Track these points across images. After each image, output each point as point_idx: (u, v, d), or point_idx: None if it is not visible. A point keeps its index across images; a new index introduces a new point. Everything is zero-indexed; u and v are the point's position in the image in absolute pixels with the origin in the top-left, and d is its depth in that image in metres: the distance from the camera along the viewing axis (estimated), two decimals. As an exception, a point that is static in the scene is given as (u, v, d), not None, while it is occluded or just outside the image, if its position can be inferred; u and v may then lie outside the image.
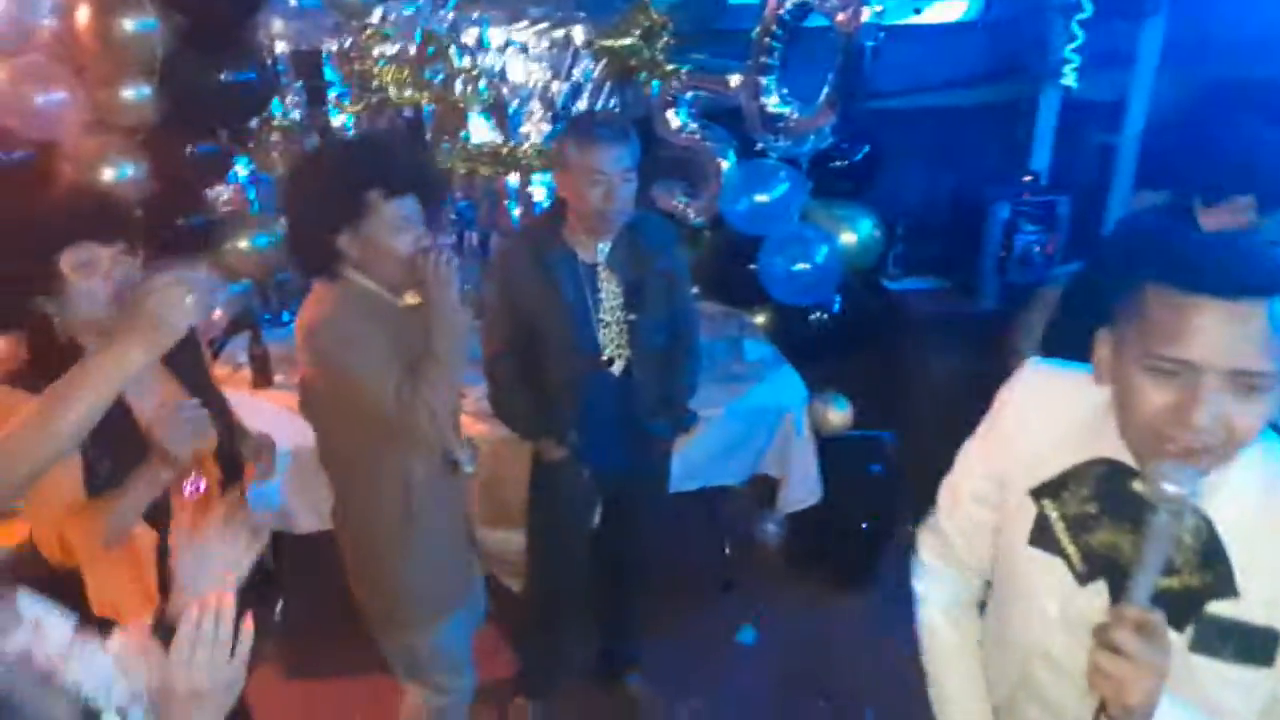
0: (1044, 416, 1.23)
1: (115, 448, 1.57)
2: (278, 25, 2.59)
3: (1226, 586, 1.07)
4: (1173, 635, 1.04)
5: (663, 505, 2.67)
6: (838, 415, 3.15)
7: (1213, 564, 1.08)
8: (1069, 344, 1.25)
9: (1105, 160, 3.82)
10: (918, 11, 3.75)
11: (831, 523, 3.18)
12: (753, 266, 3.30)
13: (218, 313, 2.66)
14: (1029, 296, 2.87)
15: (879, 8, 2.90)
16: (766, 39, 3.01)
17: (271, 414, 2.59)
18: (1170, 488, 0.99)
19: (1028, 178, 3.69)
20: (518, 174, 3.31)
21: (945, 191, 3.82)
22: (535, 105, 3.30)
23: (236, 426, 1.93)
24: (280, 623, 2.78)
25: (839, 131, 3.11)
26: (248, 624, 1.05)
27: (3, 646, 0.91)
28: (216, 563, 1.20)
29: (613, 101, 3.37)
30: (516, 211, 3.38)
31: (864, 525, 3.23)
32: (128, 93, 2.43)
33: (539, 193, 3.38)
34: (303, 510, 2.66)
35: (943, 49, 3.82)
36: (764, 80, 3.05)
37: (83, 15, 2.35)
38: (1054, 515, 1.19)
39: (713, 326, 3.29)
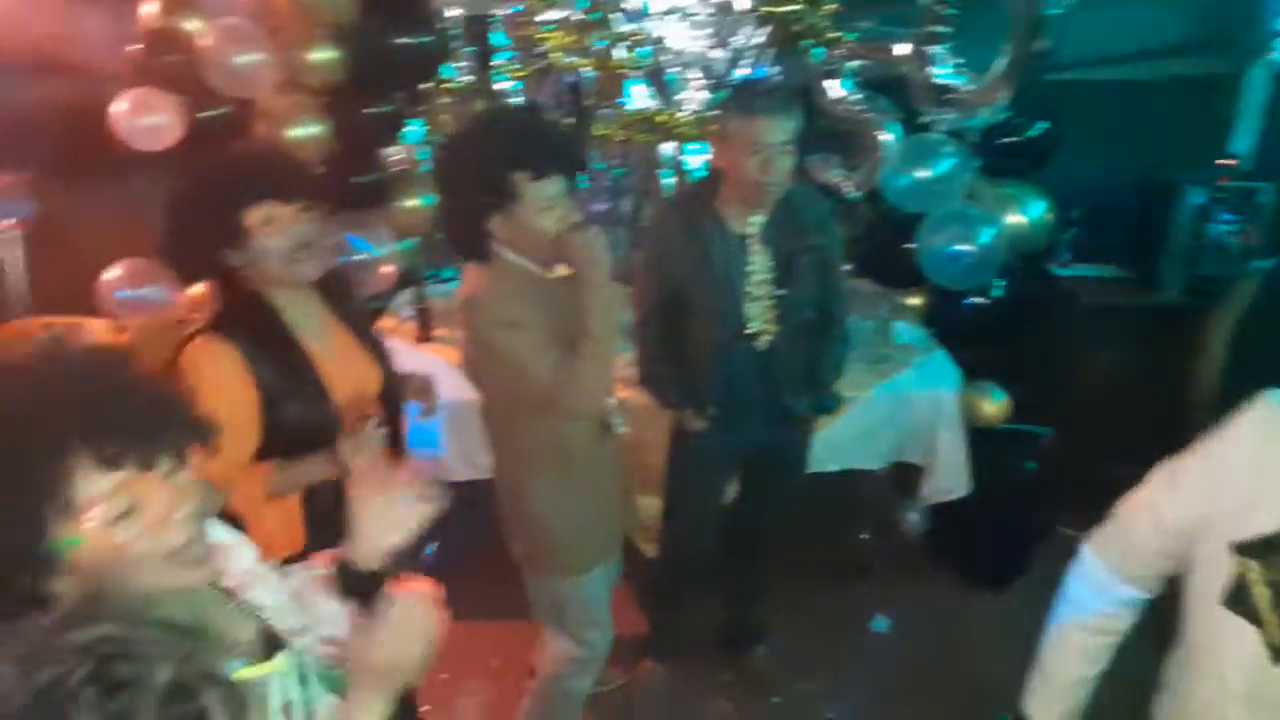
0: (1274, 463, 1.08)
1: (299, 392, 1.68)
2: (452, -10, 2.68)
3: None
4: None
5: (800, 483, 2.63)
6: (992, 406, 3.01)
7: None
8: (1263, 347, 1.12)
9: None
10: (1111, -25, 3.47)
11: (978, 518, 3.04)
12: (910, 246, 3.17)
13: (386, 268, 2.80)
14: (1220, 291, 2.64)
15: (1068, -29, 2.70)
16: (939, 6, 2.87)
17: (431, 366, 2.71)
18: None
19: (1227, 162, 3.37)
20: (673, 142, 3.31)
21: (1130, 174, 3.53)
22: (694, 73, 3.27)
23: (396, 373, 2.02)
24: (429, 564, 2.93)
25: (1014, 106, 2.94)
26: (445, 610, 1.09)
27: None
28: (397, 515, 1.23)
29: (773, 69, 3.30)
30: (670, 180, 3.38)
31: (1013, 523, 3.08)
32: (316, 54, 2.57)
33: (694, 161, 3.36)
34: (457, 459, 2.78)
35: (1136, 17, 3.52)
36: (934, 50, 2.91)
37: (280, -20, 2.50)
38: (1257, 577, 1.05)
39: (863, 306, 3.19)
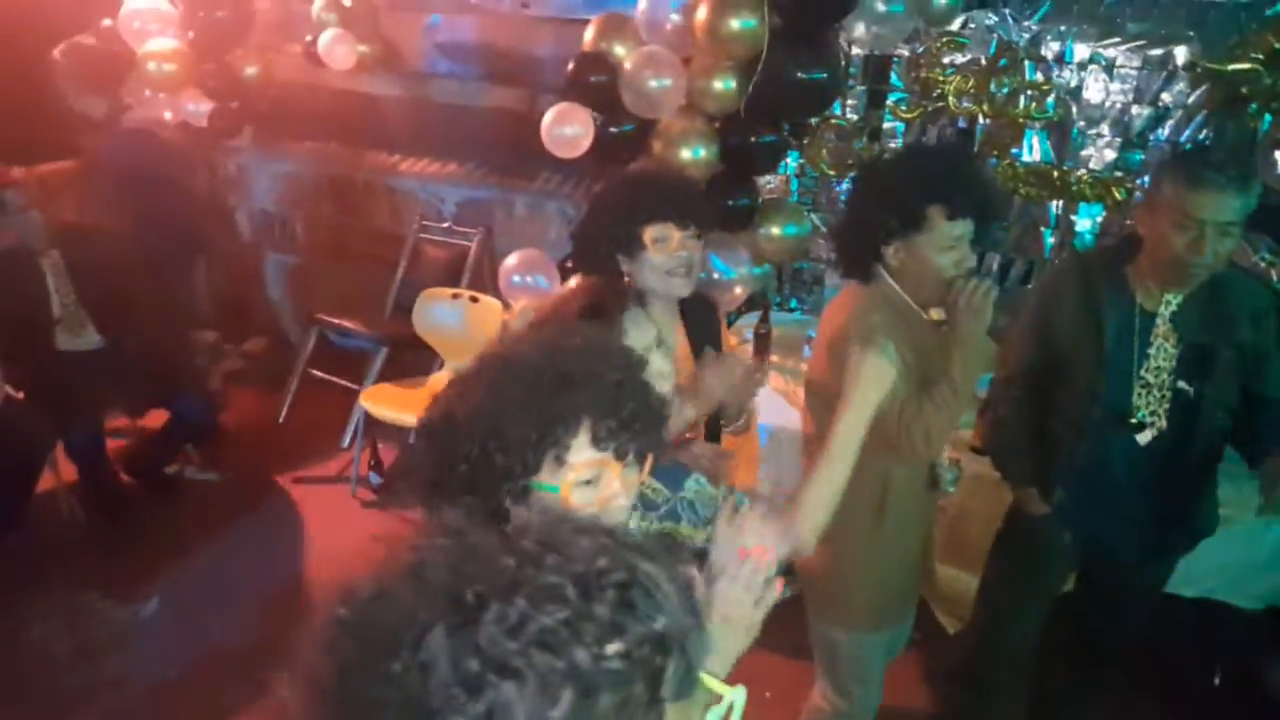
0: None
1: None
2: (859, 29, 2.71)
3: None
4: None
5: (1148, 601, 2.31)
6: None
7: None
8: None
9: None
10: None
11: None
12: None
13: (739, 289, 2.94)
14: None
15: None
16: None
17: (761, 390, 2.81)
18: None
19: None
20: (1063, 200, 3.07)
21: None
22: (1105, 128, 3.01)
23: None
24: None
25: None
26: (779, 584, 1.15)
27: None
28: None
29: (1203, 133, 2.93)
30: (1051, 240, 3.14)
31: None
32: (719, 83, 2.77)
33: (1083, 224, 3.10)
34: (769, 487, 2.84)
35: None
36: None
37: (701, 12, 2.72)
38: None
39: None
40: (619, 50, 2.93)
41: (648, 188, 1.86)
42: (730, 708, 0.76)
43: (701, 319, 1.99)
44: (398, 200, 4.29)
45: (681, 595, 0.65)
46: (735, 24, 2.64)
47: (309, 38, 3.97)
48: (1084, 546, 2.17)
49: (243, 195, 4.61)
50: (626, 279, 1.88)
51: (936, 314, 1.91)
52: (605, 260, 1.91)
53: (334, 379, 3.99)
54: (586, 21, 3.06)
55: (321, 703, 0.62)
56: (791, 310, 3.51)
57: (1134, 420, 1.99)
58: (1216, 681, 2.78)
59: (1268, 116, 2.74)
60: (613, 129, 2.99)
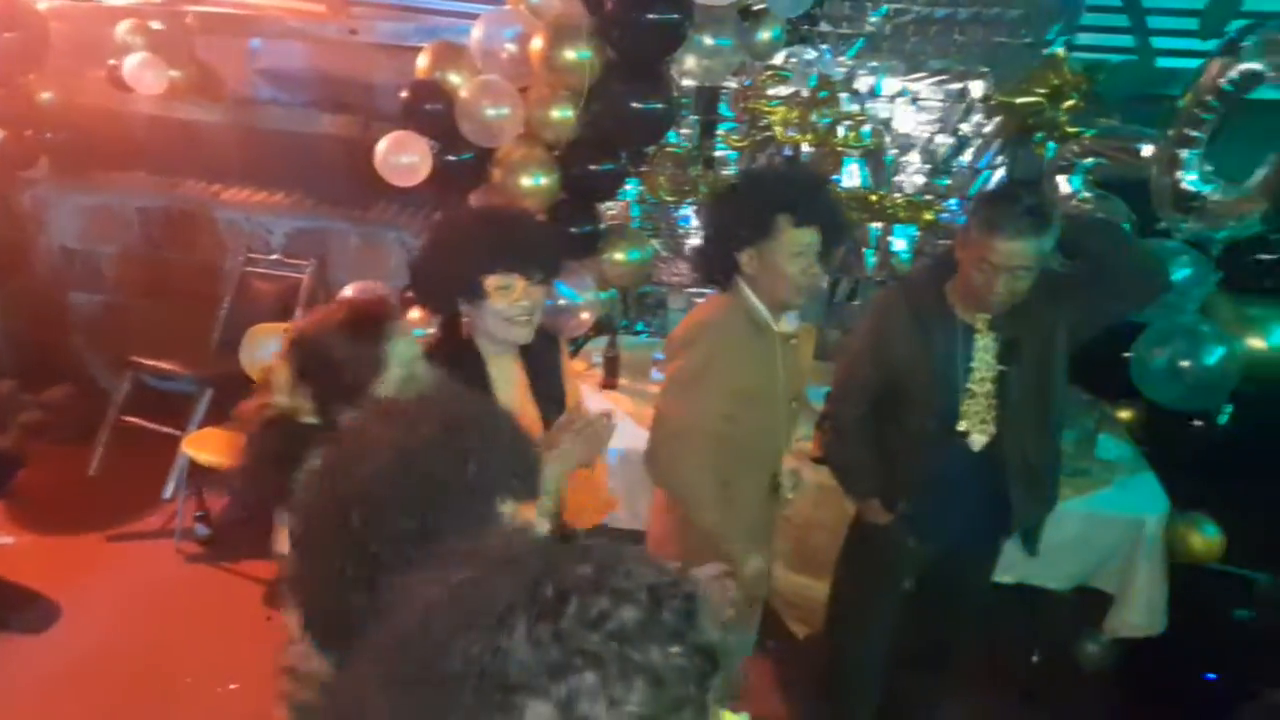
0: None
1: None
2: (690, 61, 2.81)
3: None
4: None
5: (982, 593, 2.49)
6: (1203, 542, 2.73)
7: None
8: None
9: None
10: None
11: (1170, 662, 2.76)
12: (1126, 355, 2.96)
13: (585, 314, 2.96)
14: None
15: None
16: (1197, 109, 2.69)
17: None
18: None
19: None
20: (881, 222, 3.29)
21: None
22: (914, 155, 3.26)
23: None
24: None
25: (1271, 221, 2.69)
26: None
27: None
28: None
29: (999, 159, 3.23)
30: (873, 259, 3.36)
31: (1211, 675, 2.76)
32: (557, 112, 2.79)
33: (899, 244, 3.33)
34: (623, 508, 2.86)
35: None
36: (1184, 154, 2.73)
37: (536, 43, 2.74)
38: None
39: (1067, 414, 3.00)
40: (454, 79, 2.90)
41: (493, 234, 1.82)
42: None
43: (542, 355, 1.98)
44: (220, 232, 4.03)
45: (719, 622, 0.71)
46: (570, 54, 2.67)
47: (113, 61, 3.69)
48: (927, 549, 2.30)
49: (40, 230, 4.21)
50: (465, 320, 1.85)
51: (786, 325, 2.03)
52: (443, 301, 1.88)
53: (153, 426, 3.69)
54: (418, 49, 3.01)
55: (403, 673, 0.66)
56: (638, 333, 3.57)
57: (962, 428, 2.15)
58: (1035, 659, 3.03)
59: (1052, 145, 3.05)
60: (451, 157, 2.95)
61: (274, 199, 4.04)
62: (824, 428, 2.44)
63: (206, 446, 3.22)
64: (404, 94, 2.94)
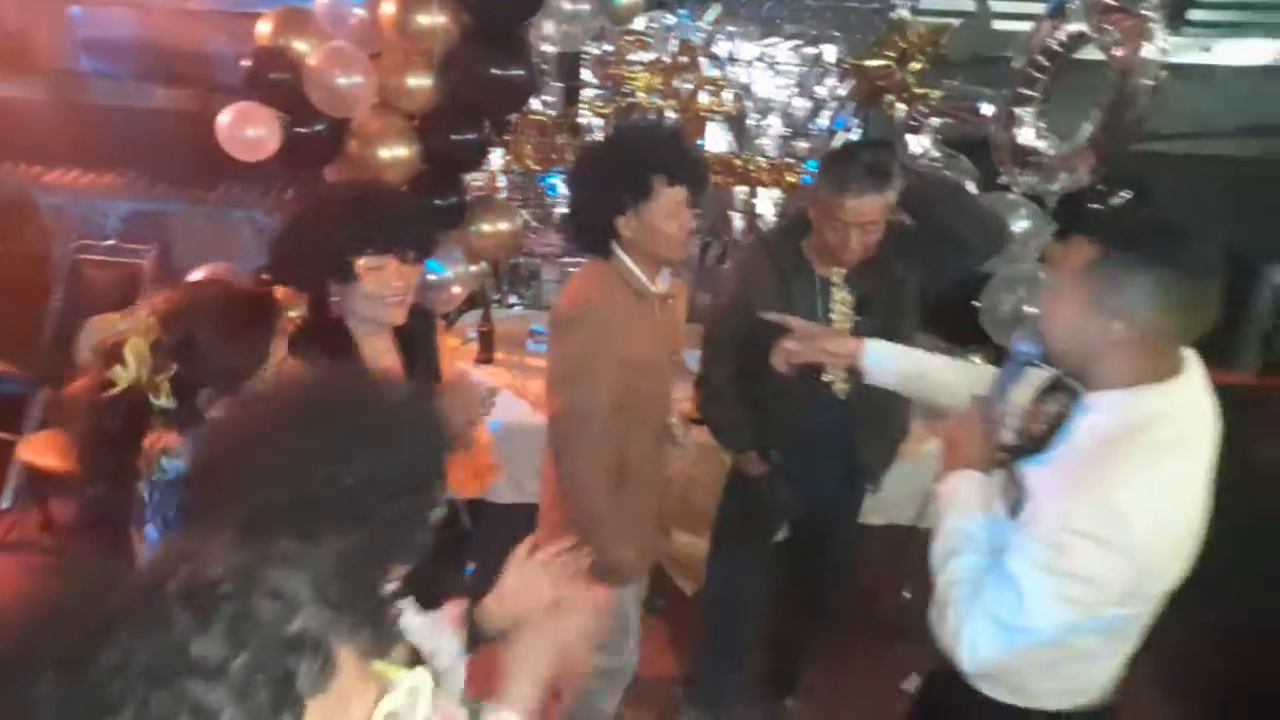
0: None
1: None
2: (548, 27, 2.76)
3: (1029, 452, 1.39)
4: (999, 473, 1.44)
5: (852, 536, 2.61)
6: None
7: (1042, 441, 1.38)
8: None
9: None
10: (1207, 50, 3.42)
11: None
12: (975, 303, 3.14)
13: (456, 289, 2.89)
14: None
15: (1164, 45, 2.67)
16: (1029, 69, 2.86)
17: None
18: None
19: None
20: (746, 186, 3.36)
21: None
22: (774, 120, 3.33)
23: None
24: (470, 582, 2.99)
25: (1103, 173, 2.90)
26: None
27: None
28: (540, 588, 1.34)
29: (854, 121, 3.34)
30: (740, 222, 3.42)
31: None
32: (413, 80, 2.69)
33: (765, 206, 3.41)
34: (504, 481, 2.83)
35: (1235, 93, 3.45)
36: (1020, 111, 2.90)
37: (387, 7, 2.62)
38: None
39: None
40: (300, 46, 2.74)
41: (363, 213, 1.73)
42: (415, 692, 0.75)
43: (416, 333, 1.92)
44: (45, 218, 3.70)
45: (323, 591, 0.67)
46: (423, 20, 2.57)
47: (-97, 31, 3.31)
48: (800, 497, 2.40)
49: None
50: (334, 300, 1.77)
51: (663, 287, 2.04)
52: (310, 283, 1.79)
53: (-18, 432, 3.38)
54: (257, 15, 2.83)
55: None
56: (511, 307, 3.52)
57: (826, 378, 2.24)
58: (907, 595, 3.20)
59: (901, 106, 3.17)
60: (302, 130, 2.80)
61: (105, 181, 3.74)
62: (699, 387, 2.48)
63: (45, 451, 2.97)
64: (246, 63, 2.76)
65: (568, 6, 2.73)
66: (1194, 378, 1.37)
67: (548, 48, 3.00)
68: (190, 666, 0.59)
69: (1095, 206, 3.18)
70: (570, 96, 3.30)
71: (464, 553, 2.24)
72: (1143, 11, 2.63)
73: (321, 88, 2.65)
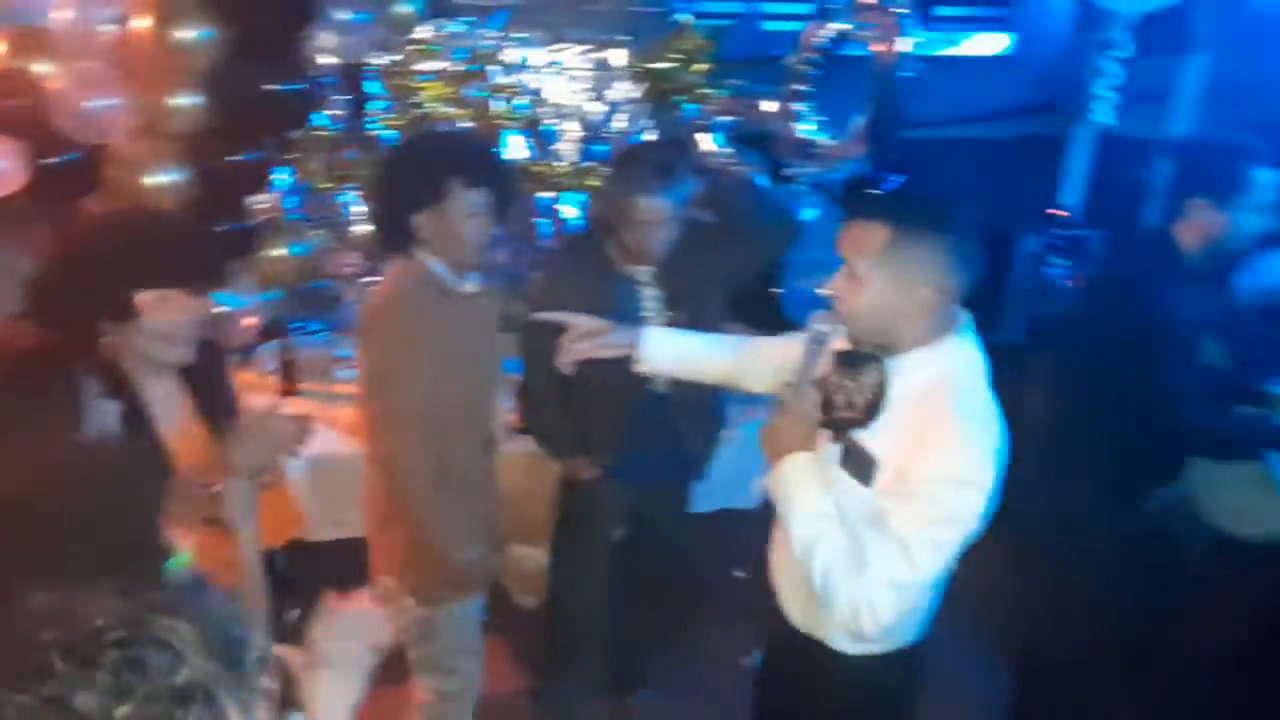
0: None
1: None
2: (326, 38, 2.65)
3: (863, 421, 1.49)
4: (833, 448, 1.54)
5: (684, 526, 2.67)
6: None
7: (867, 410, 1.49)
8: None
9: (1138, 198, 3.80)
10: (954, 44, 3.77)
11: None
12: (774, 290, 3.31)
13: (248, 320, 2.71)
14: (1056, 330, 2.86)
15: (917, 39, 2.92)
16: (801, 66, 3.05)
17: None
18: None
19: (1059, 212, 3.68)
20: (549, 192, 3.35)
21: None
22: (572, 125, 3.34)
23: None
24: (296, 628, 2.81)
25: (876, 160, 3.12)
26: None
27: None
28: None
29: (649, 123, 3.41)
30: (551, 229, 3.42)
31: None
32: (177, 100, 2.49)
33: (571, 211, 3.42)
34: (321, 518, 2.68)
35: (982, 82, 3.83)
36: (797, 107, 3.08)
37: (139, 22, 2.41)
38: None
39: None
40: (39, 69, 2.48)
41: (142, 244, 1.56)
42: None
43: (205, 370, 1.75)
44: None
45: (212, 643, 0.66)
46: (181, 34, 2.39)
47: None
48: (630, 496, 2.43)
49: None
50: (108, 342, 1.59)
51: (471, 286, 2.02)
52: (80, 325, 1.60)
53: None
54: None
55: None
56: (314, 334, 3.33)
57: (645, 374, 2.27)
58: (741, 574, 3.32)
59: (693, 107, 3.29)
60: (51, 160, 2.53)
61: None
62: (520, 396, 2.46)
63: None
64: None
65: (345, 17, 2.63)
66: (969, 329, 1.54)
67: (328, 59, 2.88)
68: (74, 713, 0.58)
69: (872, 191, 3.43)
70: (357, 110, 3.18)
71: (285, 601, 2.11)
72: (895, 10, 2.87)
73: (69, 113, 2.41)
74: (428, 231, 1.93)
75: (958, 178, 3.71)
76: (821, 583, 1.47)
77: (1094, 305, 2.51)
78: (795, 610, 1.71)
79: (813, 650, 1.66)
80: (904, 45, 2.90)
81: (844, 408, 1.53)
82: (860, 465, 1.50)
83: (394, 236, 1.99)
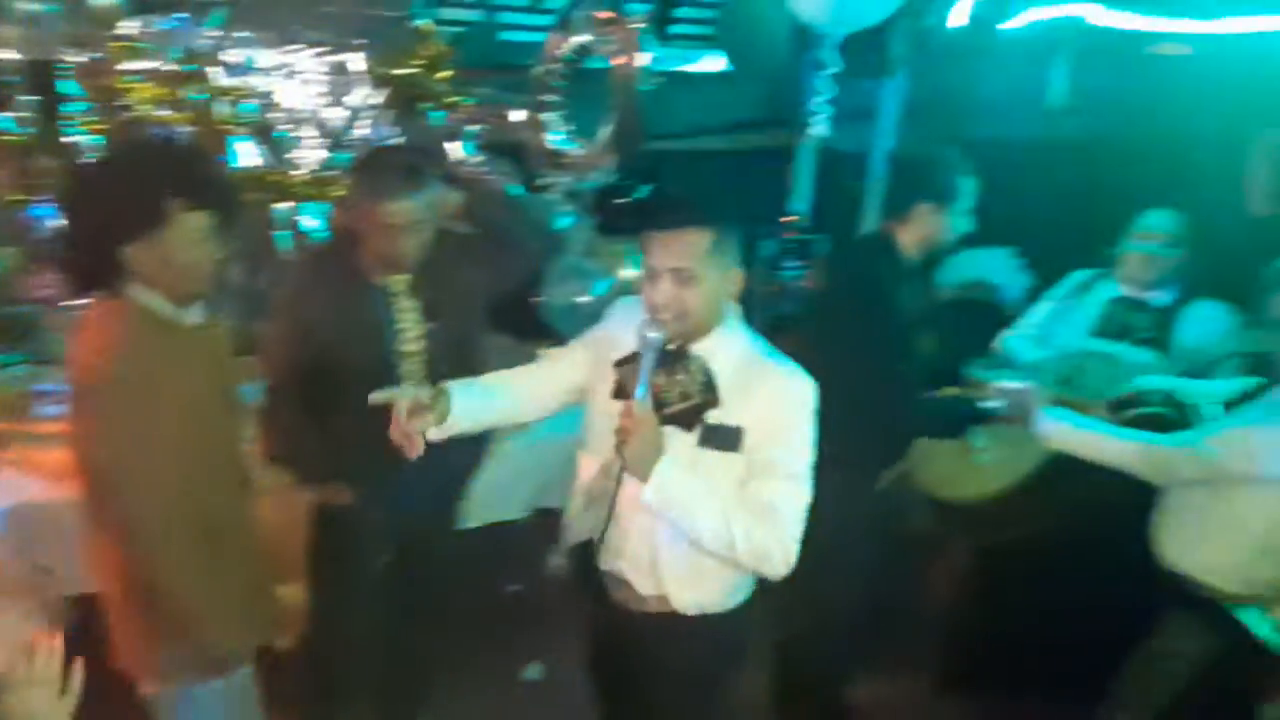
0: None
1: None
2: (6, 32, 2.31)
3: (714, 403, 1.69)
4: (688, 436, 1.69)
5: (453, 544, 2.60)
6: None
7: (708, 392, 1.70)
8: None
9: (856, 205, 4.21)
10: (691, 60, 3.99)
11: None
12: (534, 299, 3.32)
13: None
14: (795, 327, 3.09)
15: (655, 54, 3.05)
16: (548, 77, 3.08)
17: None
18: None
19: (790, 218, 4.00)
20: (288, 202, 3.14)
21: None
22: (309, 131, 3.16)
23: None
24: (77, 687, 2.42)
25: (625, 169, 3.22)
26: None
27: None
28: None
29: (394, 130, 3.30)
30: (291, 242, 3.20)
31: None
32: None
33: (312, 222, 3.23)
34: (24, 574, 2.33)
35: (717, 97, 4.08)
36: (546, 117, 3.12)
37: None
38: None
39: (502, 359, 3.26)
40: None
41: None
42: None
43: None
44: None
45: None
46: None
47: None
48: (393, 518, 2.31)
49: None
50: None
51: (195, 317, 1.79)
52: None
53: None
54: None
55: None
56: (6, 366, 2.89)
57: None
58: (515, 588, 3.29)
59: (440, 114, 3.21)
60: None
61: None
62: (264, 423, 2.27)
63: None
64: None
65: (30, 7, 2.31)
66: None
67: (10, 55, 2.52)
68: None
69: (620, 201, 3.55)
70: (50, 112, 2.80)
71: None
72: (631, 25, 2.98)
73: None
74: (141, 263, 1.65)
75: (701, 186, 3.97)
76: (748, 545, 1.63)
77: (825, 304, 2.75)
78: (648, 584, 1.81)
79: (662, 620, 1.81)
80: (643, 60, 3.01)
81: (681, 400, 1.71)
82: (724, 438, 1.69)
83: (98, 271, 1.68)
